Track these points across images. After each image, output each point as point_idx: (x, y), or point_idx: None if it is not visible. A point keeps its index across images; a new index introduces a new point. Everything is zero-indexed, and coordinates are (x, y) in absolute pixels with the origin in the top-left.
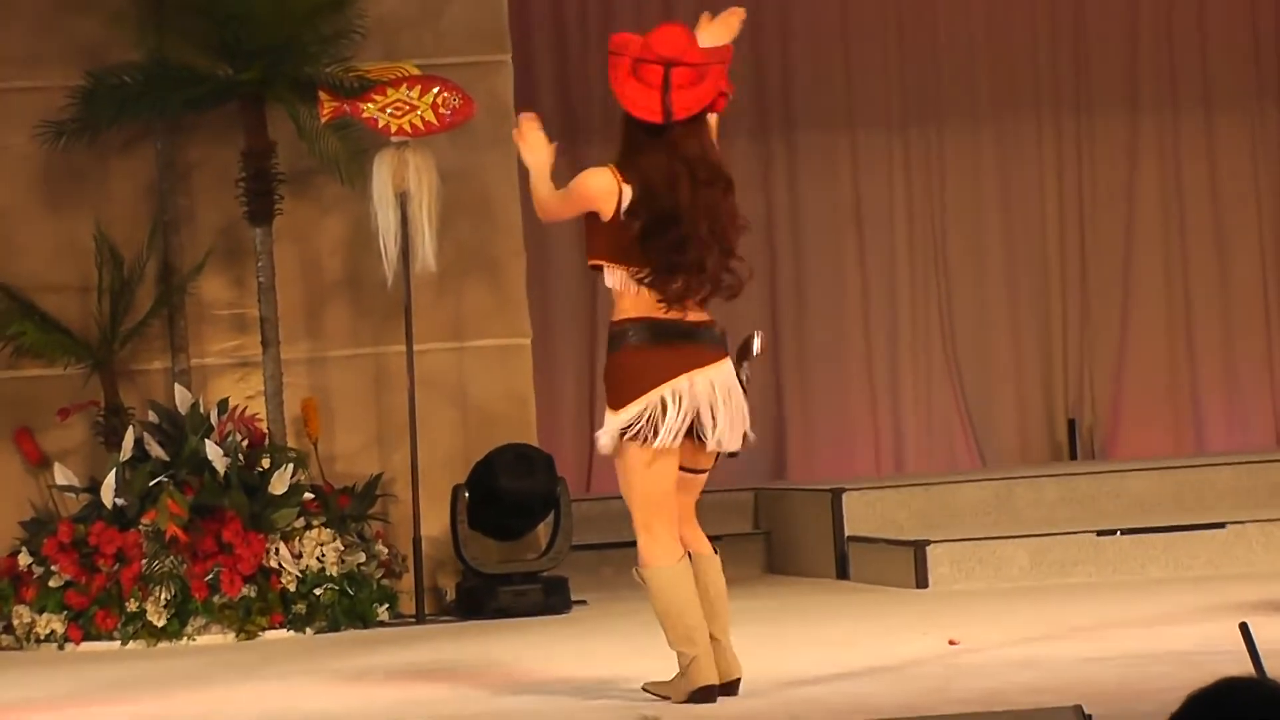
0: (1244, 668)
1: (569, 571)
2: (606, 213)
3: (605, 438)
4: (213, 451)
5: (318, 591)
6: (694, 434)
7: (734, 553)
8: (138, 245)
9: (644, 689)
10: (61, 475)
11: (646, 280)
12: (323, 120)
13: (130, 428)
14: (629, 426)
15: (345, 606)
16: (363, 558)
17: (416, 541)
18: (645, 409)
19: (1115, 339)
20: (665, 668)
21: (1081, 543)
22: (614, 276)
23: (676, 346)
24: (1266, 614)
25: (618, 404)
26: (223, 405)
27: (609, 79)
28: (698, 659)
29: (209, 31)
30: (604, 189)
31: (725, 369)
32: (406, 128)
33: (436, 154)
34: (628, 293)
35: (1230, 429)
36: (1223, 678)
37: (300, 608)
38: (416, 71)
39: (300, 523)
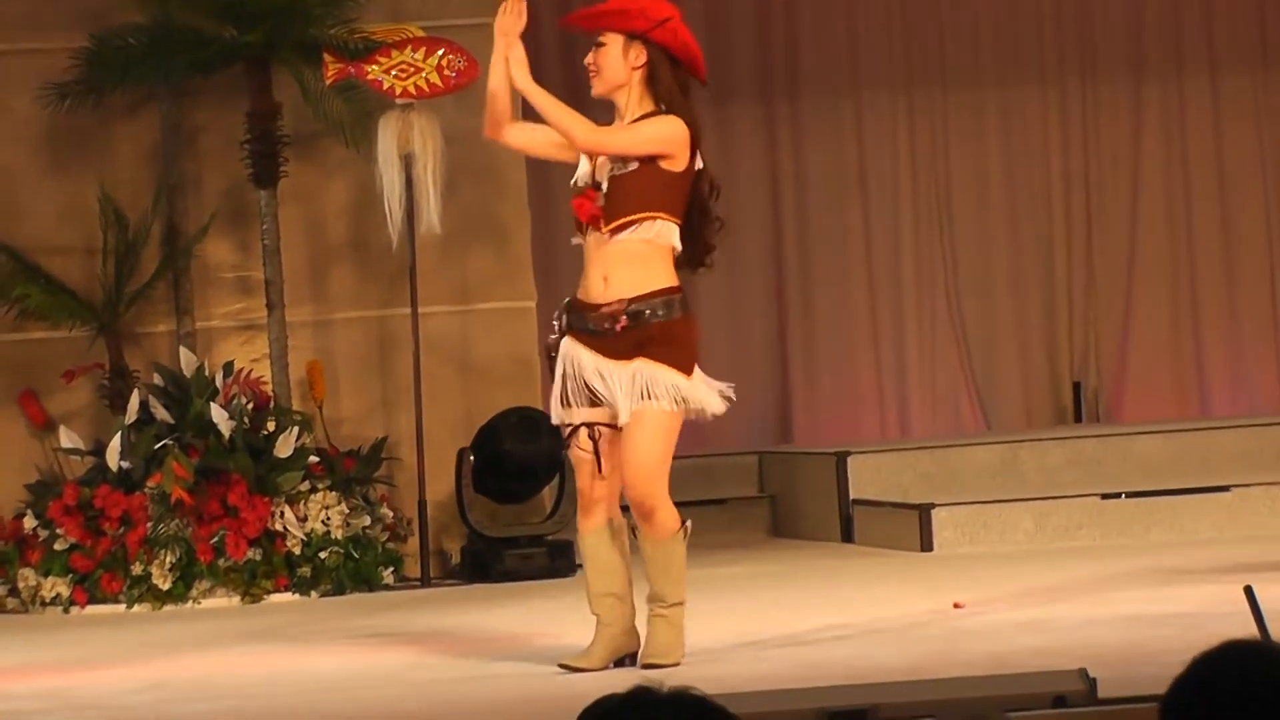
0: (1249, 630)
1: (573, 535)
2: (682, 163)
3: (679, 399)
4: (218, 414)
5: (323, 555)
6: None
7: (739, 516)
8: (142, 208)
9: (562, 665)
10: (66, 438)
11: (714, 236)
12: (327, 83)
13: (135, 390)
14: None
15: (350, 570)
16: (368, 521)
17: (421, 505)
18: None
19: (1120, 302)
20: (693, 630)
21: (1086, 506)
22: (669, 231)
23: None
24: (1271, 577)
25: (690, 368)
26: (228, 368)
27: (680, 40)
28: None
29: None
30: (686, 138)
31: None
32: (411, 90)
33: (441, 116)
34: (670, 252)
35: (1235, 392)
36: (1227, 640)
37: (305, 571)
38: (421, 33)
39: (305, 486)
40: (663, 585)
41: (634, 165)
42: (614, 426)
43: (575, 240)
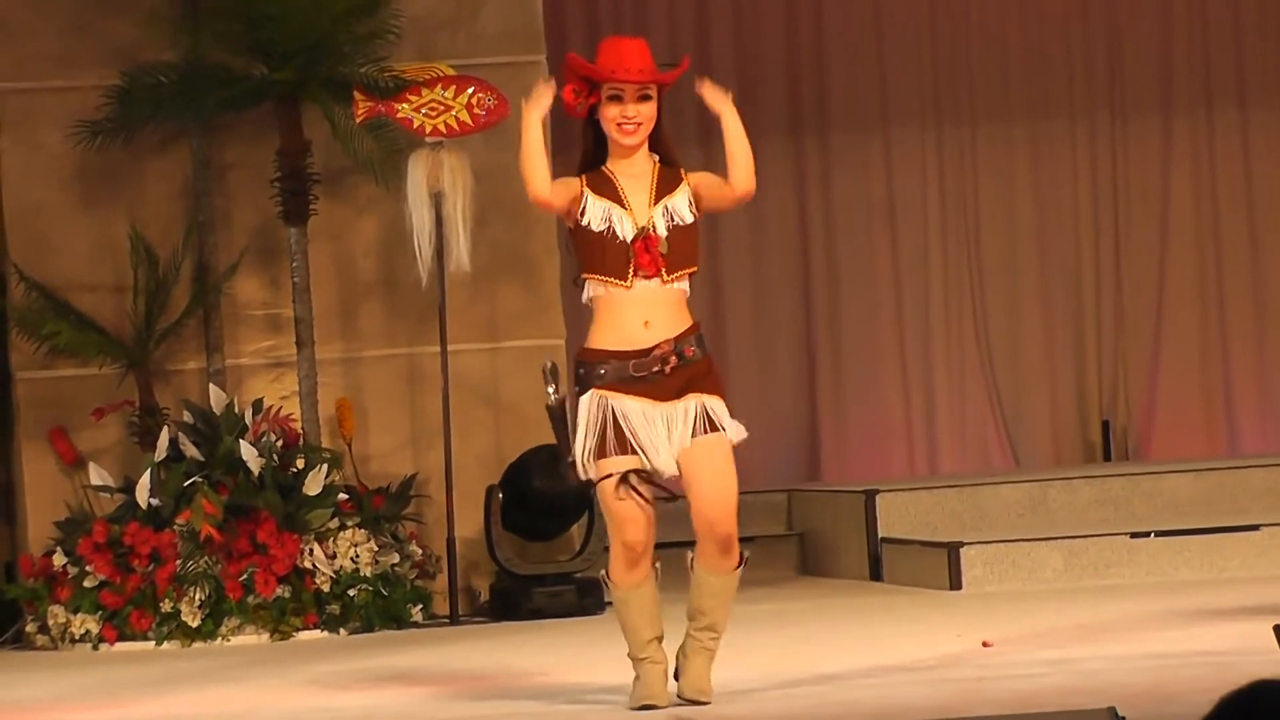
0: (1277, 670)
1: (601, 573)
2: None
3: (738, 428)
4: (247, 452)
5: (352, 592)
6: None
7: (767, 554)
8: (173, 245)
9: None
10: (96, 475)
11: None
12: (358, 120)
13: (165, 428)
14: None
15: (379, 607)
16: (396, 558)
17: (450, 542)
18: None
19: (1149, 339)
20: (722, 668)
21: (1115, 545)
22: None
23: None
24: None
25: (725, 399)
26: (257, 405)
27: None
28: None
29: (244, 32)
30: None
31: None
32: (441, 128)
33: (471, 154)
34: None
35: (1264, 430)
36: (1256, 679)
37: (334, 608)
38: (451, 72)
39: (334, 523)
40: (720, 616)
41: (693, 218)
42: (646, 474)
43: (599, 290)
